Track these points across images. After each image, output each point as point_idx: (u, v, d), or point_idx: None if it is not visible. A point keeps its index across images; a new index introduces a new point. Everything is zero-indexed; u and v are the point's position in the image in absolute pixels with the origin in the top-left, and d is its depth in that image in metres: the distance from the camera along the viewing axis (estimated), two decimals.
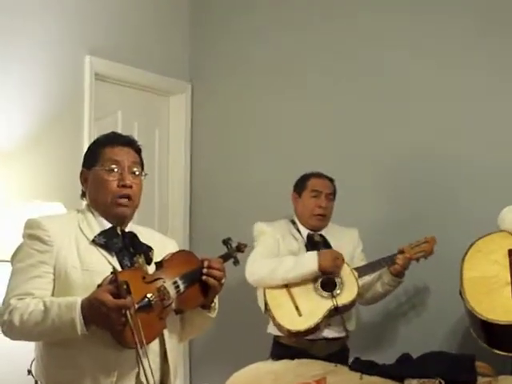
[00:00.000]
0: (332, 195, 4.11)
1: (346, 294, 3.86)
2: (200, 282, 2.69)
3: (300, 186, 4.14)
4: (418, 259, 3.97)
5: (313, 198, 4.06)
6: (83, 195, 2.79)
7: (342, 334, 4.01)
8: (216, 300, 2.81)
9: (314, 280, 3.90)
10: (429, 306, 4.57)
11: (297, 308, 3.86)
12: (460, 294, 3.48)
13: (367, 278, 4.01)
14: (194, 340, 5.10)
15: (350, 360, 3.94)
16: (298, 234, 4.10)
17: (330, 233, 4.12)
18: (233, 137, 5.18)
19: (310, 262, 3.86)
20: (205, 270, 2.69)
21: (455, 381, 3.46)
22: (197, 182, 5.27)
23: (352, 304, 3.89)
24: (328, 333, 3.95)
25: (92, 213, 2.71)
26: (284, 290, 3.90)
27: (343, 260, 3.89)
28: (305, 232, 4.10)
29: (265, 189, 4.94)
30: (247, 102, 5.12)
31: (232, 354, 4.66)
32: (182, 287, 2.61)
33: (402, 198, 4.63)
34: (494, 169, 4.40)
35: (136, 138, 2.90)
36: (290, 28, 4.99)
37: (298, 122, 4.96)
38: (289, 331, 3.85)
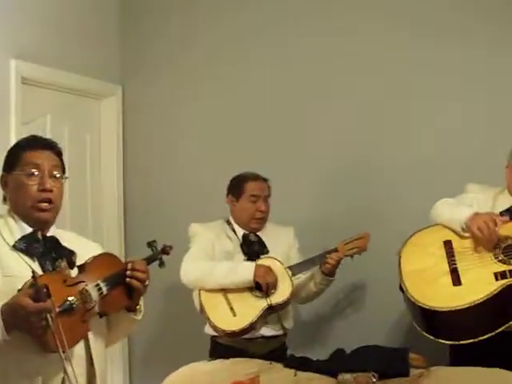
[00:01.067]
0: (269, 196, 4.13)
1: (280, 293, 3.87)
2: (124, 284, 2.68)
3: (236, 190, 4.13)
4: (352, 256, 4.00)
5: (252, 202, 4.06)
6: (4, 200, 2.75)
7: (280, 332, 4.03)
8: (141, 302, 2.80)
9: None
10: (366, 303, 4.64)
11: (231, 309, 3.86)
12: (400, 288, 3.52)
13: (301, 277, 4.03)
14: (134, 341, 5.10)
15: None
16: (233, 235, 4.10)
17: (266, 232, 4.13)
18: (165, 139, 5.18)
19: (246, 272, 3.87)
20: (128, 273, 2.68)
21: (388, 373, 3.49)
22: (130, 185, 5.25)
23: (286, 303, 3.91)
24: (266, 331, 3.97)
25: (13, 218, 2.68)
26: (219, 291, 3.90)
27: (276, 279, 3.90)
28: (240, 232, 4.10)
29: (200, 190, 4.94)
30: (179, 103, 5.13)
31: (172, 354, 4.65)
32: (104, 290, 2.59)
33: (338, 196, 4.68)
34: (427, 164, 4.48)
35: (66, 141, 2.89)
36: (218, 31, 5.01)
37: (231, 121, 4.99)
38: (224, 332, 3.86)
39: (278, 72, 4.87)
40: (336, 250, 3.96)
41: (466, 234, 3.54)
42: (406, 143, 4.56)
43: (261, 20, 4.91)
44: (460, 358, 3.63)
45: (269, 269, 3.89)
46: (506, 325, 3.35)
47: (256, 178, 4.12)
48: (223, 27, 5.00)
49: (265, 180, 4.13)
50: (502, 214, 3.70)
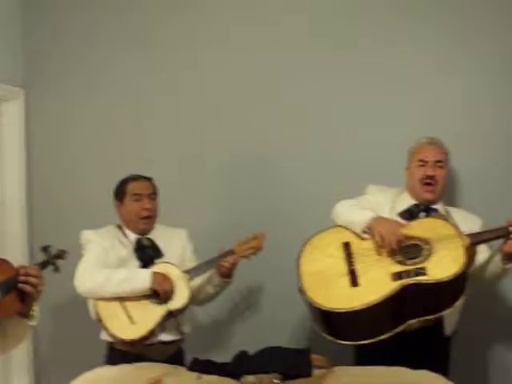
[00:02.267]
0: (154, 194, 4.10)
1: (178, 298, 3.86)
2: (16, 289, 2.65)
3: (120, 192, 4.10)
4: (247, 256, 4.02)
5: (135, 201, 4.04)
6: None
7: (178, 337, 4.01)
8: (36, 307, 2.76)
9: None
10: (264, 304, 4.68)
11: (129, 316, 3.82)
12: (300, 290, 3.55)
13: (198, 280, 4.03)
14: (40, 347, 5.03)
15: (187, 362, 3.95)
16: (125, 240, 4.07)
17: (158, 235, 4.10)
18: (70, 143, 5.09)
19: (143, 280, 3.83)
20: (21, 278, 2.64)
21: (291, 375, 3.52)
22: (34, 189, 5.15)
23: (185, 307, 3.91)
24: (164, 336, 3.94)
25: None
26: (115, 299, 3.85)
27: (173, 285, 3.88)
28: (132, 236, 4.07)
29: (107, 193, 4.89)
30: (82, 106, 5.06)
31: (77, 360, 4.58)
32: None
33: (236, 199, 4.71)
34: (323, 166, 4.55)
35: None
36: (124, 31, 4.97)
37: (130, 124, 4.95)
38: (123, 341, 3.82)
39: (168, 72, 4.89)
40: (232, 252, 3.98)
41: (366, 236, 3.60)
42: (304, 142, 4.61)
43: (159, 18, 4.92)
44: (364, 357, 3.71)
45: (165, 275, 3.88)
46: (404, 324, 3.44)
47: (137, 177, 4.10)
48: (124, 26, 4.97)
49: (147, 179, 4.11)
50: (400, 214, 3.80)
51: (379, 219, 3.59)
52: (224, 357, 3.82)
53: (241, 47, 4.73)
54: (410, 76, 4.47)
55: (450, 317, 3.69)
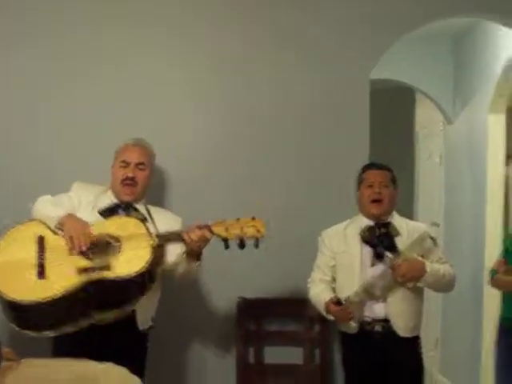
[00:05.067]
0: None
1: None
2: None
3: None
4: None
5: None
6: None
7: None
8: None
9: None
10: None
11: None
12: None
13: None
14: None
15: None
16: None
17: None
18: None
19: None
20: None
21: None
22: None
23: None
24: None
25: None
26: None
27: None
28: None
29: None
30: None
31: None
32: None
33: None
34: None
35: None
36: None
37: None
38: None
39: None
40: None
41: (60, 232, 3.69)
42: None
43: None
44: (60, 350, 3.78)
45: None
46: (90, 318, 3.56)
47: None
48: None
49: None
50: (101, 212, 3.92)
51: (69, 218, 3.69)
52: None
53: None
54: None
55: (143, 312, 3.84)
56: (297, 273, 4.40)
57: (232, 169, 4.69)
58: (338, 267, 4.06)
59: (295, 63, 4.71)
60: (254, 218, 3.79)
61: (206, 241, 3.72)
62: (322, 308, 4.01)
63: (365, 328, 3.97)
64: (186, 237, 3.70)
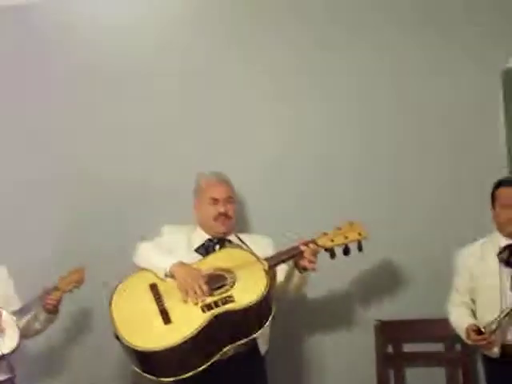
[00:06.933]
0: None
1: (9, 341, 3.73)
2: None
3: None
4: (71, 290, 3.95)
5: None
6: None
7: (9, 375, 3.90)
8: None
9: None
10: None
11: None
12: (116, 337, 3.57)
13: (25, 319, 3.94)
14: None
15: None
16: None
17: None
18: None
19: None
20: None
21: None
22: None
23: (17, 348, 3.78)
24: None
25: None
26: None
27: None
28: None
29: None
30: None
31: None
32: None
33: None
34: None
35: None
36: None
37: None
38: None
39: None
40: (56, 288, 3.90)
41: (169, 280, 3.72)
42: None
43: None
44: None
45: None
46: (220, 352, 3.57)
47: None
48: None
49: None
50: (196, 250, 3.96)
51: (180, 268, 3.72)
52: None
53: None
54: None
55: (263, 337, 3.84)
56: (433, 291, 4.38)
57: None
58: (477, 290, 3.93)
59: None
60: (352, 223, 3.86)
61: (315, 255, 3.78)
62: (462, 333, 3.91)
63: (507, 352, 3.81)
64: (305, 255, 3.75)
